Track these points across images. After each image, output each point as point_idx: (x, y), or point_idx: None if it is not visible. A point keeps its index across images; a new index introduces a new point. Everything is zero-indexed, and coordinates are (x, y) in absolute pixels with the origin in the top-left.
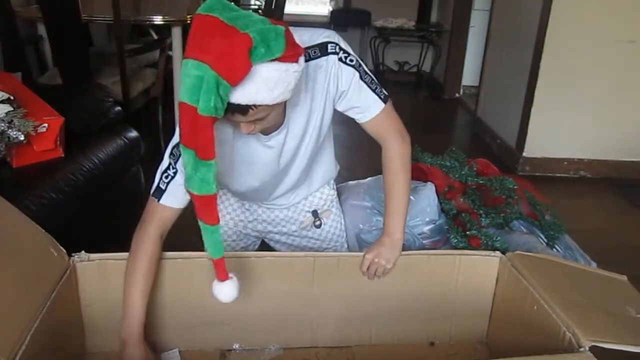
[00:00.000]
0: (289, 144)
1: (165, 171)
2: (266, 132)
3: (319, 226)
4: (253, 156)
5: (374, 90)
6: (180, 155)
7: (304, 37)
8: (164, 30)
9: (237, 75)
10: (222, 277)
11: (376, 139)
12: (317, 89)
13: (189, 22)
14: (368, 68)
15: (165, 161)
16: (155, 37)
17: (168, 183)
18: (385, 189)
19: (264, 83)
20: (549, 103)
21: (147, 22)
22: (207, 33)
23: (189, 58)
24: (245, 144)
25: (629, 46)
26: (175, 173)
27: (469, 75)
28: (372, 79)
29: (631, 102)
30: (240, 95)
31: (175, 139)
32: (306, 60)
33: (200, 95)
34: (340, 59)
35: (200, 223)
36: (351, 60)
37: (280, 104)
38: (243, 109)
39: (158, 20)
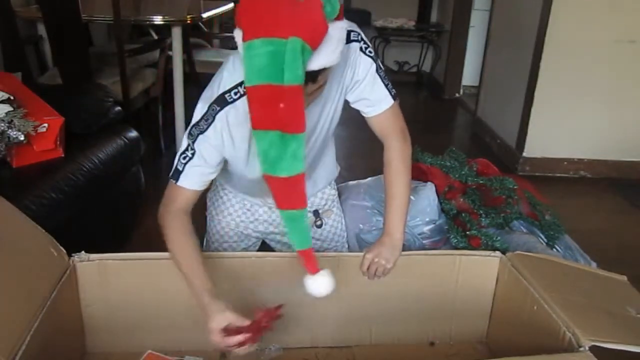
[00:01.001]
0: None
1: (183, 152)
2: None
3: (320, 226)
4: None
5: (386, 86)
6: (198, 134)
7: None
8: (164, 30)
9: (319, 37)
10: (314, 269)
11: (379, 135)
12: (333, 75)
13: (189, 22)
14: None
15: (184, 142)
16: (155, 37)
17: (185, 164)
18: (386, 187)
19: (331, 43)
20: (549, 103)
21: (147, 22)
22: (268, 10)
23: (254, 38)
24: None
25: (629, 46)
26: (193, 154)
27: (469, 75)
28: (386, 75)
29: (631, 102)
30: (315, 61)
31: (195, 119)
32: None
33: (278, 70)
34: (361, 48)
35: (283, 213)
36: (370, 52)
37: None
38: (314, 75)
39: (158, 20)
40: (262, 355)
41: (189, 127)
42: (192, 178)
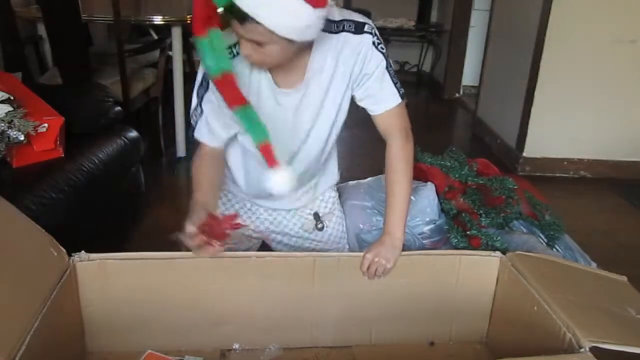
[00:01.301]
0: (304, 111)
1: (194, 109)
2: (278, 79)
3: (321, 229)
4: (265, 110)
5: (395, 84)
6: (203, 94)
7: (344, 12)
8: (164, 30)
9: None
10: (273, 162)
11: (382, 133)
12: (341, 62)
13: (189, 22)
14: None
15: (194, 100)
16: (155, 37)
17: (197, 121)
18: (387, 186)
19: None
20: (549, 103)
21: (147, 22)
22: None
23: None
24: (258, 94)
25: (630, 46)
26: (201, 112)
27: (469, 75)
28: (395, 73)
29: (631, 102)
30: None
31: (197, 80)
32: (340, 31)
33: None
34: (373, 43)
35: (236, 113)
36: (382, 48)
37: (286, 43)
38: (241, 17)
39: (158, 20)
40: (262, 355)
41: (196, 86)
42: (205, 133)
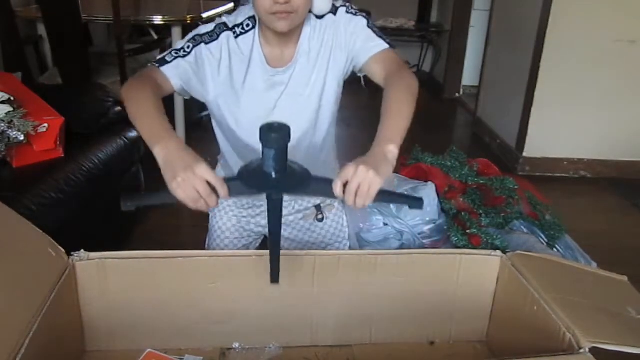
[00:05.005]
0: (293, 89)
1: (178, 50)
2: (271, 58)
3: (321, 220)
4: (256, 93)
5: (380, 36)
6: (200, 42)
7: None
8: (164, 30)
9: None
10: None
11: (379, 81)
12: (326, 41)
13: (189, 22)
14: None
15: (182, 42)
16: (155, 37)
17: (176, 57)
18: (385, 104)
19: None
20: (549, 103)
21: (147, 22)
22: None
23: None
24: (253, 75)
25: (629, 46)
26: (188, 53)
27: (469, 75)
28: (380, 31)
29: (631, 102)
30: None
31: (199, 31)
32: (323, 15)
33: None
34: (347, 11)
35: None
36: (360, 13)
37: None
38: None
39: (158, 20)
40: (262, 354)
41: (194, 33)
42: (176, 71)
